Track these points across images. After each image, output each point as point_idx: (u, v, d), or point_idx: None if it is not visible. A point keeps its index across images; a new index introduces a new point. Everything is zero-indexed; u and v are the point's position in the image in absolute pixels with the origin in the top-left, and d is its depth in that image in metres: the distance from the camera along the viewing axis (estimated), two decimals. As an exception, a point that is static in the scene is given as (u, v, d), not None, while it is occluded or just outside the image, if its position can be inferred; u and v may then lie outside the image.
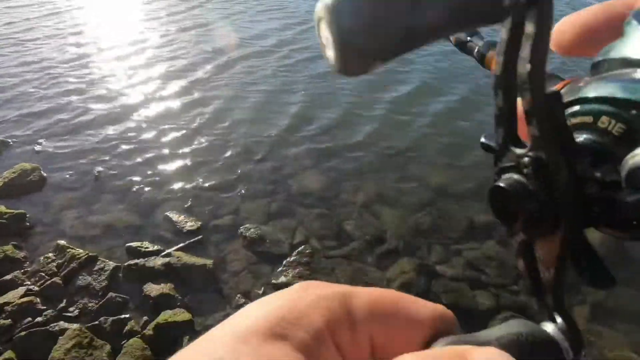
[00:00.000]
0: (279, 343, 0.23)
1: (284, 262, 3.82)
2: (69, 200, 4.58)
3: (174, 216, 4.30)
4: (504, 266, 3.75)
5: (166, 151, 5.40)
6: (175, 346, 3.00)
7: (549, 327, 0.29)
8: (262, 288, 3.57)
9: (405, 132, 5.80)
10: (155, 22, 9.87)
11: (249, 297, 3.50)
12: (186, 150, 5.42)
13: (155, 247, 3.92)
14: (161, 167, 5.12)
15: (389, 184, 4.84)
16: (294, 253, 3.90)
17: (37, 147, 5.50)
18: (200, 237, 4.06)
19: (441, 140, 5.61)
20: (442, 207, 4.47)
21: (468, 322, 3.26)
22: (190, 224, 4.19)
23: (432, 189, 4.75)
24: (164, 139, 5.64)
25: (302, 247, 3.96)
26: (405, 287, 3.55)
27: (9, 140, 5.65)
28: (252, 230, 4.12)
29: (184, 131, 5.80)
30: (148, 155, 5.30)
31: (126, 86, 6.99)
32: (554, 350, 0.26)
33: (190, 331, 3.14)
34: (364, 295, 0.26)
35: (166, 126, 5.91)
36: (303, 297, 0.25)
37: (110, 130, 5.83)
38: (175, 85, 7.01)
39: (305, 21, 9.97)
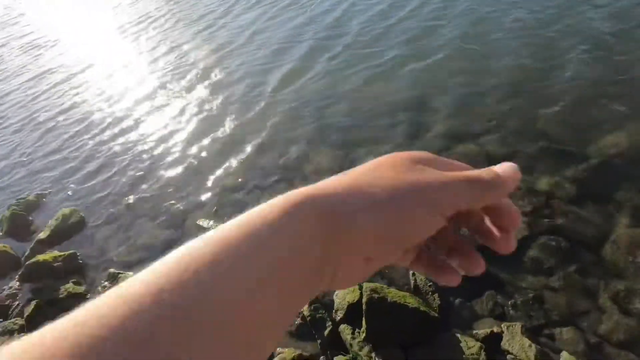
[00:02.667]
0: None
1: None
2: (109, 231, 4.92)
3: (204, 223, 4.52)
4: (531, 192, 3.66)
5: (181, 166, 5.61)
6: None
7: None
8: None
9: (410, 91, 5.67)
10: (154, 52, 10.08)
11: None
12: (200, 161, 5.61)
13: (194, 255, 4.15)
14: (181, 181, 5.35)
15: (400, 139, 4.79)
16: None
17: (69, 192, 5.89)
18: (231, 236, 4.24)
19: (452, 83, 5.44)
20: (457, 151, 4.38)
21: (502, 255, 3.25)
22: (220, 227, 4.39)
23: (443, 135, 4.66)
24: (177, 155, 5.86)
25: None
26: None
27: (44, 192, 6.09)
28: (277, 218, 4.25)
29: (193, 145, 5.99)
30: (167, 174, 5.55)
31: (128, 112, 7.27)
32: None
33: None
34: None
35: (174, 141, 6.13)
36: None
37: (129, 160, 6.12)
38: (177, 107, 7.21)
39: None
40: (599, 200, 3.46)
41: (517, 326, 2.72)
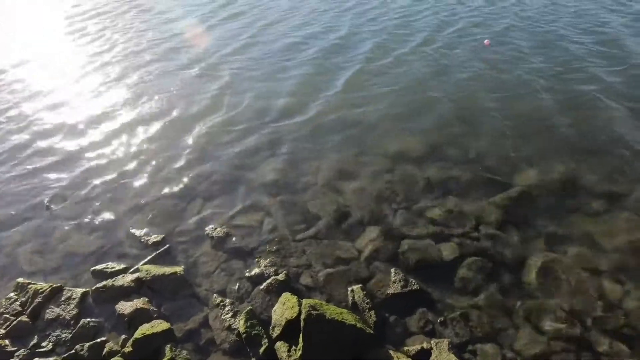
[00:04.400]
0: None
1: (255, 253, 3.84)
2: (22, 236, 4.36)
3: (137, 231, 4.20)
4: (462, 216, 3.94)
5: (116, 167, 5.20)
6: (158, 356, 2.99)
7: None
8: (237, 283, 3.58)
9: (357, 107, 5.87)
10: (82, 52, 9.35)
11: (225, 294, 3.51)
12: (137, 163, 5.25)
13: (122, 266, 3.83)
14: (115, 184, 4.94)
15: (347, 159, 4.90)
16: (263, 243, 3.92)
17: (-23, 188, 5.16)
18: (166, 246, 3.99)
19: (392, 110, 5.72)
20: (400, 173, 4.60)
21: (434, 275, 3.44)
22: (154, 236, 4.11)
23: (389, 156, 4.86)
24: (113, 155, 5.42)
25: (271, 236, 3.99)
26: (375, 254, 3.68)
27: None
28: (218, 229, 4.09)
29: (131, 145, 5.60)
30: (98, 176, 5.10)
31: (54, 106, 6.63)
32: None
33: (171, 339, 3.13)
34: None
35: (111, 141, 5.68)
36: None
37: (51, 156, 5.54)
38: (110, 102, 6.73)
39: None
40: (520, 226, 3.82)
41: (445, 342, 2.87)
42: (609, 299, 3.13)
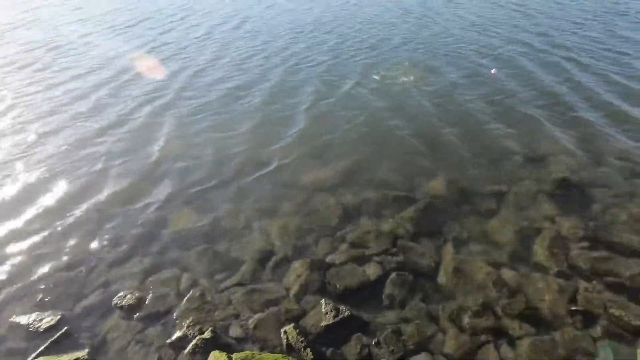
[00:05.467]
0: None
1: (175, 315, 3.49)
2: None
3: (23, 319, 3.52)
4: (379, 235, 4.15)
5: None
6: None
7: None
8: (157, 353, 3.19)
9: (268, 144, 5.93)
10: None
11: (144, 369, 3.09)
12: (18, 227, 4.49)
13: (6, 366, 3.14)
14: (-10, 267, 4.13)
15: (263, 197, 4.86)
16: (184, 301, 3.59)
17: None
18: (64, 329, 3.40)
19: (304, 144, 5.92)
20: (316, 202, 4.70)
21: (363, 298, 3.51)
22: (47, 320, 3.48)
23: (304, 188, 4.96)
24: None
25: (191, 291, 3.68)
26: (304, 288, 3.63)
27: None
28: (128, 296, 3.64)
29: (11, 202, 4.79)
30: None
31: None
32: None
33: None
34: None
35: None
36: None
37: None
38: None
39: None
40: (431, 234, 4.15)
41: (382, 363, 2.89)
42: (511, 286, 3.53)
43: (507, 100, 6.78)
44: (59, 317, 3.51)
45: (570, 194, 4.56)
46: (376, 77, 7.89)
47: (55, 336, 3.35)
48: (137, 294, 3.67)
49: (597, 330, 3.10)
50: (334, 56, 9.13)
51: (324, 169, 5.32)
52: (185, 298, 3.62)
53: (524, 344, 3.05)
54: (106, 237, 4.41)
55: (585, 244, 3.86)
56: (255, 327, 3.31)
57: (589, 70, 7.62)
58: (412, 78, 7.77)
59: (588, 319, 3.18)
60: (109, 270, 4.00)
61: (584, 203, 4.39)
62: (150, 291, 3.72)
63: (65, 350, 3.24)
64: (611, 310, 3.18)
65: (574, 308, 3.25)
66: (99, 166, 5.70)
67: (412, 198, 4.67)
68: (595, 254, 3.72)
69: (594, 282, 3.47)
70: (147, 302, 3.62)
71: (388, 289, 3.56)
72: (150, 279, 3.88)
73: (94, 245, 4.31)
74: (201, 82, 8.24)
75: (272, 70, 8.60)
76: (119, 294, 3.69)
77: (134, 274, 3.93)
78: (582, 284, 3.46)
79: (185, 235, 4.38)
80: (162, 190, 5.12)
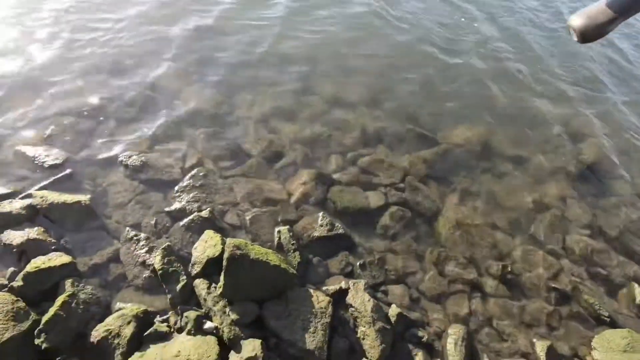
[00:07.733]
0: None
1: (177, 187, 3.54)
2: None
3: (29, 150, 3.54)
4: (391, 167, 4.07)
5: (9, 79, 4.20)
6: (57, 291, 2.69)
7: None
8: (155, 218, 3.31)
9: (300, 44, 5.46)
10: None
11: (140, 228, 3.23)
12: (35, 64, 4.30)
13: (10, 189, 3.25)
14: (6, 98, 4.03)
15: (285, 97, 4.63)
16: (187, 177, 3.62)
17: None
18: (69, 170, 3.46)
19: (334, 50, 5.45)
20: (337, 118, 4.50)
21: (359, 221, 3.57)
22: (53, 157, 3.52)
23: (326, 100, 4.70)
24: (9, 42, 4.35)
25: (196, 170, 3.69)
26: (305, 197, 3.66)
27: None
28: (134, 157, 3.65)
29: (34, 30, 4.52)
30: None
31: None
32: None
33: (73, 273, 2.82)
34: None
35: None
36: None
37: None
38: None
39: None
40: (440, 180, 4.09)
41: (361, 283, 3.06)
42: (502, 250, 3.60)
43: (572, 76, 6.16)
44: (64, 158, 3.54)
45: (591, 180, 4.43)
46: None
47: (59, 175, 3.41)
48: (142, 157, 3.67)
49: (566, 310, 3.26)
50: None
51: (349, 82, 4.99)
52: (189, 174, 3.64)
53: (495, 303, 3.22)
54: (115, 94, 4.26)
55: (586, 231, 3.86)
56: (252, 220, 3.40)
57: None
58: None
59: (562, 297, 3.33)
60: (118, 126, 3.94)
61: (601, 193, 4.29)
62: (156, 158, 3.72)
63: (67, 191, 3.33)
64: (585, 297, 3.31)
65: (553, 285, 3.37)
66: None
67: (433, 140, 4.49)
68: (592, 243, 3.75)
69: (581, 268, 3.55)
70: (151, 168, 3.64)
71: (385, 220, 3.61)
72: (157, 147, 3.85)
73: (106, 98, 4.18)
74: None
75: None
76: (125, 153, 3.69)
77: (142, 137, 3.88)
78: (569, 266, 3.55)
79: (198, 112, 4.24)
80: (184, 58, 4.82)
